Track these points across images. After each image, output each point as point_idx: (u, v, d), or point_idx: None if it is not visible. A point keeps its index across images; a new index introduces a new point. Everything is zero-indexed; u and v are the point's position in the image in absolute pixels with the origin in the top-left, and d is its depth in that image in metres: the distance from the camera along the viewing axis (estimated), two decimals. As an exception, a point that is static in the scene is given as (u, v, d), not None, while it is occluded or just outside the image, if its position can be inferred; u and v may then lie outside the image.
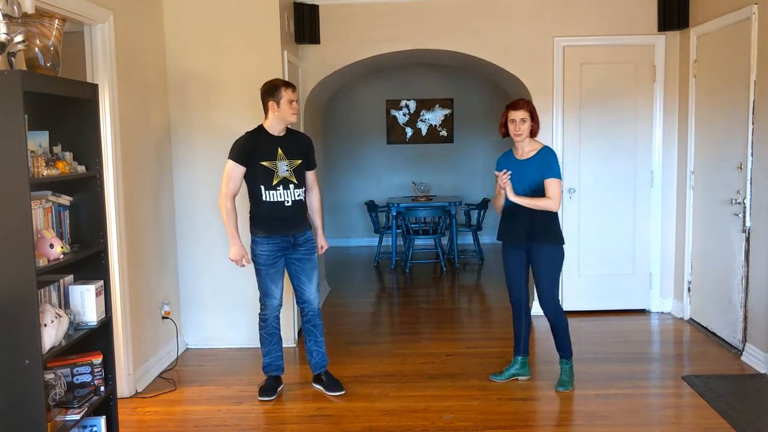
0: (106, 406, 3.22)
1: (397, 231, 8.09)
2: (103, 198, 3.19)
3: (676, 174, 5.62)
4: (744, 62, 4.52)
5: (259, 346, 4.23)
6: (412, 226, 8.32)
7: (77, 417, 2.87)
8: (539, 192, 3.94)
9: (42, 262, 2.69)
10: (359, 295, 6.89)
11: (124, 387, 4.07)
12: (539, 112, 5.39)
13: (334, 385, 4.15)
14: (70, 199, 3.09)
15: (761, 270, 4.38)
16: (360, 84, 9.30)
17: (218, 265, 4.98)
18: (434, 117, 9.65)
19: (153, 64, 4.65)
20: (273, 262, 4.00)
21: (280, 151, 3.94)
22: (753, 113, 4.43)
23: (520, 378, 4.26)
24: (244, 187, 4.02)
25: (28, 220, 2.56)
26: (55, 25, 2.87)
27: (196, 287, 5.03)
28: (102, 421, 3.17)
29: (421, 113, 9.63)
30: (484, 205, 8.33)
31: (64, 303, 3.02)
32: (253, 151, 3.91)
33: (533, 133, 4.02)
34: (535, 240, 3.97)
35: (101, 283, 3.14)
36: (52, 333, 2.69)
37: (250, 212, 4.04)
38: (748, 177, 4.49)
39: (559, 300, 4.07)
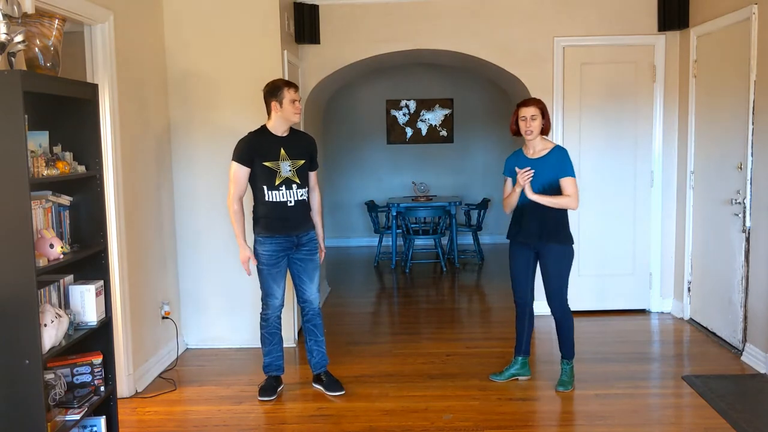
0: (106, 406, 3.22)
1: (397, 231, 8.09)
2: (103, 198, 3.19)
3: (676, 174, 5.62)
4: (744, 62, 4.52)
5: (260, 346, 4.23)
6: (412, 226, 8.32)
7: (77, 417, 2.87)
8: (553, 191, 3.92)
9: (42, 262, 2.69)
10: (359, 295, 6.89)
11: (124, 387, 4.07)
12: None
13: (334, 385, 4.16)
14: (70, 199, 3.09)
15: (761, 270, 4.38)
16: (360, 84, 9.30)
17: (218, 265, 4.98)
18: (434, 117, 9.65)
19: (153, 64, 4.65)
20: (275, 262, 4.00)
21: (282, 151, 3.94)
22: (753, 113, 4.43)
23: (520, 378, 4.26)
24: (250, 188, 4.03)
25: (28, 220, 2.56)
26: (55, 25, 2.87)
27: (196, 287, 5.03)
28: (102, 421, 3.17)
29: (421, 113, 9.64)
30: (484, 205, 8.33)
31: (64, 303, 3.02)
32: (256, 151, 3.91)
33: (545, 131, 4.00)
34: (547, 240, 3.95)
35: (101, 283, 3.14)
36: (52, 333, 2.69)
37: (253, 212, 4.04)
38: (748, 177, 4.49)
39: (567, 300, 4.06)
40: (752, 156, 4.45)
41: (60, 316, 2.77)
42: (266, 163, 3.91)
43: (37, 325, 2.60)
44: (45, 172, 2.73)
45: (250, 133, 4.02)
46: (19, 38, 2.62)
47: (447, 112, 9.64)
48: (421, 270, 8.00)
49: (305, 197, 4.03)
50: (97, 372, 3.12)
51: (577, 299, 5.68)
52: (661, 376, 4.40)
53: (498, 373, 4.28)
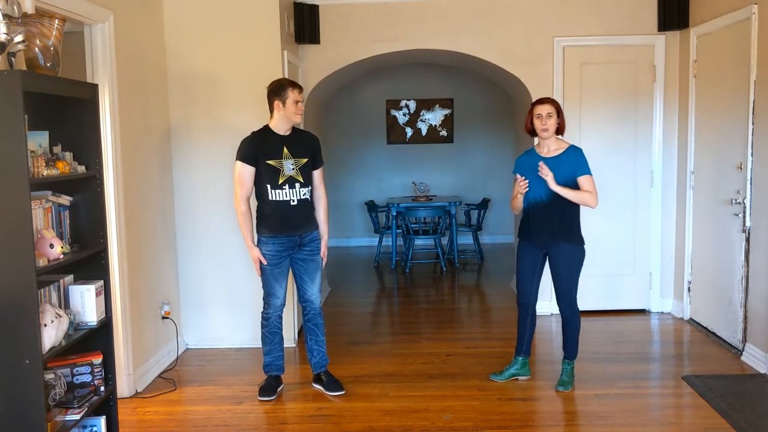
0: (106, 406, 3.22)
1: (397, 231, 8.09)
2: (103, 198, 3.19)
3: (676, 174, 5.62)
4: (744, 62, 4.52)
5: (259, 345, 4.23)
6: (412, 226, 8.32)
7: (77, 417, 2.87)
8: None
9: (42, 262, 2.69)
10: (359, 295, 6.89)
11: (124, 387, 4.07)
12: (539, 112, 5.42)
13: (334, 385, 4.16)
14: (70, 199, 3.09)
15: (761, 270, 4.38)
16: (360, 84, 9.30)
17: (218, 265, 4.99)
18: (434, 117, 9.65)
19: (153, 64, 4.65)
20: (278, 262, 4.00)
21: (285, 149, 3.95)
22: (753, 113, 4.43)
23: (520, 378, 4.26)
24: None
25: (28, 220, 2.56)
26: (55, 25, 2.87)
27: (196, 287, 5.03)
28: (102, 421, 3.17)
29: (421, 113, 9.63)
30: (484, 205, 8.33)
31: (64, 303, 3.02)
32: (259, 150, 3.92)
33: (560, 130, 3.99)
34: (558, 240, 3.95)
35: (101, 283, 3.14)
36: (52, 333, 2.69)
37: (257, 211, 4.04)
38: (748, 177, 4.49)
39: (576, 301, 4.06)
40: (752, 156, 4.45)
41: (60, 316, 2.77)
42: (269, 162, 3.91)
43: (37, 325, 2.60)
44: (45, 172, 2.73)
45: (252, 132, 4.02)
46: (19, 38, 2.62)
47: (447, 112, 9.64)
48: (421, 270, 8.00)
49: (308, 196, 4.03)
50: (97, 372, 3.12)
51: (577, 299, 5.69)
52: (661, 376, 4.40)
53: (498, 373, 4.28)
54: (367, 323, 5.88)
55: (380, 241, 8.46)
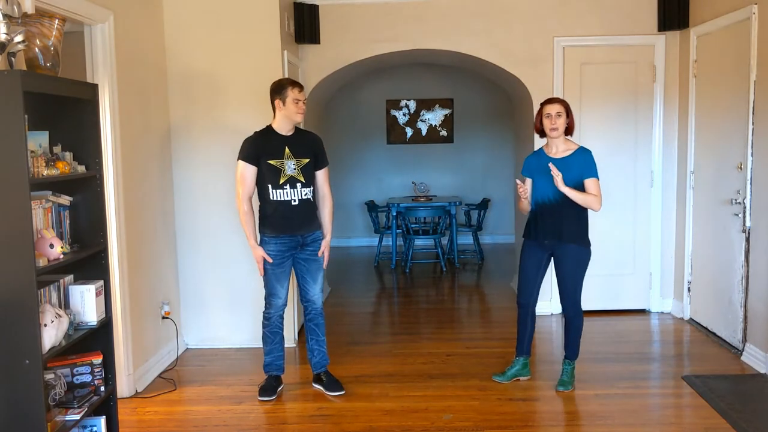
0: (106, 406, 3.22)
1: (397, 231, 8.09)
2: (103, 198, 3.19)
3: (676, 174, 5.62)
4: (744, 62, 4.51)
5: (259, 345, 4.23)
6: (412, 226, 8.32)
7: (77, 417, 2.87)
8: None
9: (42, 262, 2.69)
10: (359, 295, 6.89)
11: (124, 387, 4.07)
12: (539, 112, 5.42)
13: (334, 385, 4.16)
14: (70, 199, 3.09)
15: (761, 270, 4.38)
16: (360, 84, 9.30)
17: (218, 264, 4.99)
18: (434, 117, 9.65)
19: (153, 64, 4.65)
20: (280, 262, 4.00)
21: (287, 149, 3.95)
22: (753, 113, 4.42)
23: (521, 378, 4.26)
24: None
25: (28, 220, 2.56)
26: (55, 25, 2.87)
27: (197, 287, 5.03)
28: (102, 421, 3.17)
29: (421, 113, 9.63)
30: (484, 205, 8.33)
31: (64, 303, 3.02)
32: (261, 149, 3.92)
33: (569, 131, 3.98)
34: (565, 240, 3.94)
35: (101, 283, 3.14)
36: (52, 333, 2.69)
37: (259, 211, 4.04)
38: (748, 177, 4.49)
39: (580, 301, 4.05)
40: (752, 156, 4.45)
41: (60, 316, 2.77)
42: (271, 162, 3.91)
43: (37, 325, 2.60)
44: (45, 172, 2.73)
45: (255, 132, 4.03)
46: (19, 38, 2.62)
47: (447, 112, 9.64)
48: (421, 270, 8.00)
49: (310, 196, 4.02)
50: (97, 372, 3.12)
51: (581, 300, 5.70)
52: (661, 376, 4.40)
53: (500, 374, 4.27)
54: (367, 323, 5.88)
55: (380, 241, 8.46)
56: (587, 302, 5.67)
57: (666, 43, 5.53)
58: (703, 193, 5.19)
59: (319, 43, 5.65)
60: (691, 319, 5.46)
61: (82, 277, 3.14)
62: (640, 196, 5.68)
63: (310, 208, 4.04)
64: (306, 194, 4.00)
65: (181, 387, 4.33)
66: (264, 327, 4.14)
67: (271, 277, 4.03)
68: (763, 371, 4.29)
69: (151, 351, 4.51)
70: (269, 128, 4.02)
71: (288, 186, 3.94)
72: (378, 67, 7.66)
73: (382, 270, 8.04)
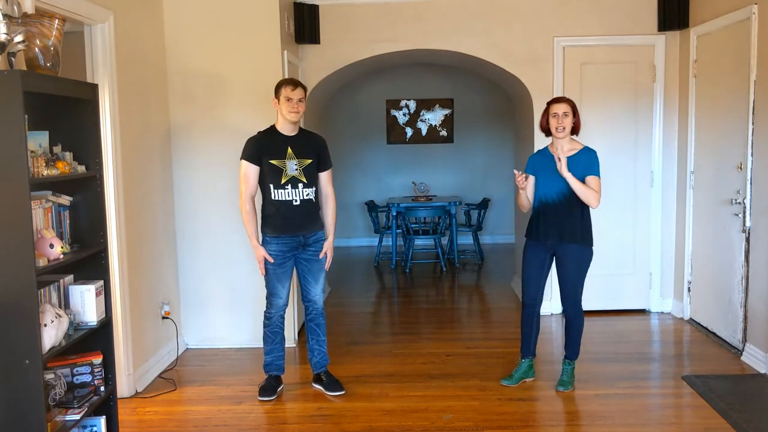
0: (106, 406, 3.22)
1: (397, 231, 8.09)
2: (103, 198, 3.19)
3: (676, 174, 5.62)
4: (744, 62, 4.51)
5: (259, 345, 4.23)
6: (412, 226, 8.32)
7: (77, 417, 2.87)
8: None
9: (42, 262, 2.69)
10: (359, 295, 6.89)
11: (124, 387, 4.07)
12: (539, 112, 5.42)
13: (334, 385, 4.16)
14: (70, 199, 3.09)
15: (761, 270, 4.38)
16: (360, 84, 9.30)
17: (218, 264, 4.99)
18: (434, 117, 9.65)
19: (153, 64, 4.65)
20: (281, 262, 4.00)
21: (290, 149, 3.95)
22: (753, 113, 4.42)
23: (526, 380, 4.24)
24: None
25: (28, 220, 2.56)
26: (55, 25, 2.87)
27: (196, 287, 5.03)
28: (102, 421, 3.17)
29: (421, 113, 9.63)
30: (484, 205, 8.33)
31: (64, 303, 3.02)
32: (263, 149, 3.93)
33: (575, 130, 3.98)
34: (567, 240, 3.94)
35: (101, 283, 3.14)
36: (52, 333, 2.69)
37: (261, 211, 4.05)
38: (748, 177, 4.49)
39: (581, 301, 4.05)
40: (752, 156, 4.45)
41: (60, 316, 2.77)
42: (273, 161, 3.92)
43: (37, 325, 2.60)
44: (45, 172, 2.73)
45: (259, 132, 4.04)
46: (19, 38, 2.62)
47: (447, 112, 9.64)
48: (421, 270, 8.00)
49: (312, 197, 4.02)
50: (97, 372, 3.12)
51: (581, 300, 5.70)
52: (661, 376, 4.40)
53: (508, 377, 4.21)
54: (367, 323, 5.88)
55: (380, 241, 8.46)
56: (587, 302, 5.66)
57: (666, 43, 5.53)
58: (703, 193, 5.19)
59: (319, 43, 5.65)
60: (691, 319, 5.46)
61: (82, 277, 3.14)
62: (640, 196, 5.68)
63: (312, 208, 4.04)
64: (308, 195, 4.00)
65: (181, 387, 4.33)
66: (265, 327, 4.14)
67: (272, 277, 4.03)
68: (763, 371, 4.29)
69: (151, 351, 4.51)
70: (273, 128, 4.03)
71: (289, 186, 3.94)
72: (378, 67, 7.66)
73: (382, 270, 8.04)
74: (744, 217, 4.56)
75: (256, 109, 4.76)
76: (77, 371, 3.07)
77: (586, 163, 3.92)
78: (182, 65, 4.85)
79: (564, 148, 3.97)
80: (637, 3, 5.49)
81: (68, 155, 3.00)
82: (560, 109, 3.91)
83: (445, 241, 8.78)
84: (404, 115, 9.65)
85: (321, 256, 4.11)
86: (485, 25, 5.62)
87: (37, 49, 2.82)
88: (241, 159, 3.97)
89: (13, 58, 2.71)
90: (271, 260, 3.97)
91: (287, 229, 3.97)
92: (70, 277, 3.08)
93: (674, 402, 4.00)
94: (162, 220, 4.75)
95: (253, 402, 4.05)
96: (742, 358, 4.55)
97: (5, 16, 2.56)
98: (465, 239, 9.37)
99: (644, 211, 5.70)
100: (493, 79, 6.97)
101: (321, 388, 4.19)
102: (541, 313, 4.21)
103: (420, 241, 8.61)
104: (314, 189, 4.03)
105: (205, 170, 4.92)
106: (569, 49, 5.57)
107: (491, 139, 9.56)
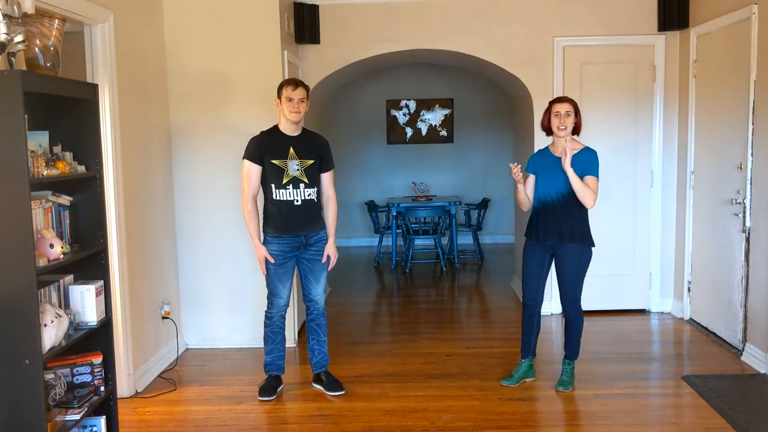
0: (106, 406, 3.22)
1: (397, 231, 8.09)
2: (103, 198, 3.19)
3: (676, 174, 5.62)
4: (744, 62, 4.51)
5: (260, 345, 4.23)
6: (412, 226, 8.32)
7: (77, 417, 2.87)
8: (575, 192, 3.91)
9: (42, 262, 2.69)
10: (359, 295, 6.89)
11: (124, 387, 4.07)
12: (539, 112, 5.43)
13: (334, 385, 4.16)
14: (70, 199, 3.09)
15: (761, 270, 4.38)
16: (360, 84, 9.30)
17: (218, 264, 4.99)
18: (434, 117, 9.65)
19: (153, 64, 4.65)
20: (282, 262, 4.00)
21: (292, 150, 3.96)
22: (753, 113, 4.43)
23: (526, 380, 4.24)
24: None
25: (28, 220, 2.56)
26: (55, 25, 2.87)
27: (197, 287, 5.03)
28: (102, 421, 3.17)
29: (421, 113, 9.63)
30: (484, 205, 8.33)
31: (64, 303, 3.02)
32: (265, 149, 3.94)
33: (576, 130, 3.98)
34: (567, 240, 3.94)
35: (101, 283, 3.14)
36: (52, 333, 2.69)
37: (263, 211, 4.05)
38: (748, 177, 4.49)
39: (580, 301, 4.05)
40: (752, 156, 4.45)
41: (60, 316, 2.77)
42: (274, 161, 3.92)
43: (37, 325, 2.60)
44: (45, 172, 2.73)
45: (262, 131, 4.05)
46: (19, 38, 2.62)
47: (447, 112, 9.64)
48: (421, 270, 8.00)
49: (314, 197, 4.02)
50: (97, 372, 3.12)
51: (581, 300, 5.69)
52: (661, 376, 4.40)
53: (508, 378, 4.22)
54: (367, 323, 5.88)
55: (380, 241, 8.47)
56: (587, 302, 5.67)
57: (666, 43, 5.53)
58: (703, 193, 5.19)
59: (319, 43, 5.66)
60: (691, 319, 5.46)
61: (82, 277, 3.14)
62: (640, 196, 5.68)
63: (313, 208, 4.04)
64: (309, 195, 3.99)
65: (181, 387, 4.33)
66: (265, 326, 4.14)
67: (273, 276, 4.03)
68: (763, 371, 4.29)
69: (151, 351, 4.51)
70: (275, 128, 4.03)
71: (291, 186, 3.95)
72: (378, 67, 7.66)
73: (382, 270, 8.04)
74: (744, 217, 4.56)
75: (256, 109, 4.76)
76: (77, 371, 3.07)
77: (586, 162, 3.92)
78: (182, 65, 4.85)
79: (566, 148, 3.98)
80: (637, 3, 5.49)
81: (68, 155, 3.00)
82: (563, 108, 3.91)
83: (445, 241, 8.78)
84: (404, 115, 9.65)
85: (324, 260, 4.10)
86: (485, 25, 5.62)
87: (37, 49, 2.82)
88: (243, 158, 3.97)
89: (13, 58, 2.71)
90: (272, 260, 3.97)
91: (288, 229, 3.97)
92: (70, 277, 3.08)
93: (674, 402, 4.01)
94: (162, 220, 4.75)
95: (253, 402, 4.05)
96: (742, 358, 4.55)
97: (5, 16, 2.56)
98: (465, 239, 9.37)
99: (644, 211, 5.70)
100: (493, 79, 6.97)
101: (321, 388, 4.19)
102: (541, 313, 4.22)
103: (420, 241, 8.61)
104: (316, 189, 4.03)
105: (205, 170, 4.92)
106: (569, 49, 5.57)
107: (491, 139, 9.56)
